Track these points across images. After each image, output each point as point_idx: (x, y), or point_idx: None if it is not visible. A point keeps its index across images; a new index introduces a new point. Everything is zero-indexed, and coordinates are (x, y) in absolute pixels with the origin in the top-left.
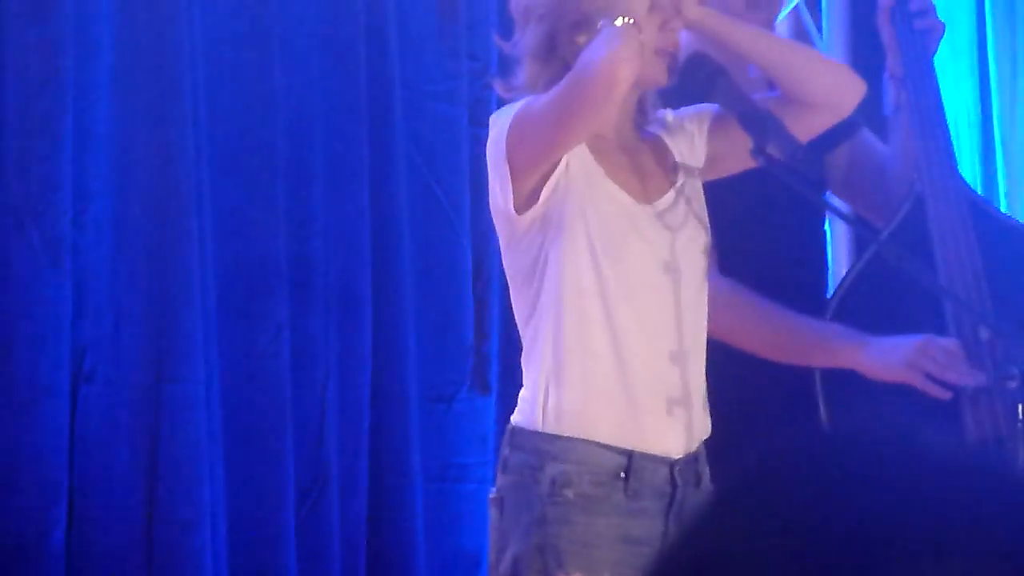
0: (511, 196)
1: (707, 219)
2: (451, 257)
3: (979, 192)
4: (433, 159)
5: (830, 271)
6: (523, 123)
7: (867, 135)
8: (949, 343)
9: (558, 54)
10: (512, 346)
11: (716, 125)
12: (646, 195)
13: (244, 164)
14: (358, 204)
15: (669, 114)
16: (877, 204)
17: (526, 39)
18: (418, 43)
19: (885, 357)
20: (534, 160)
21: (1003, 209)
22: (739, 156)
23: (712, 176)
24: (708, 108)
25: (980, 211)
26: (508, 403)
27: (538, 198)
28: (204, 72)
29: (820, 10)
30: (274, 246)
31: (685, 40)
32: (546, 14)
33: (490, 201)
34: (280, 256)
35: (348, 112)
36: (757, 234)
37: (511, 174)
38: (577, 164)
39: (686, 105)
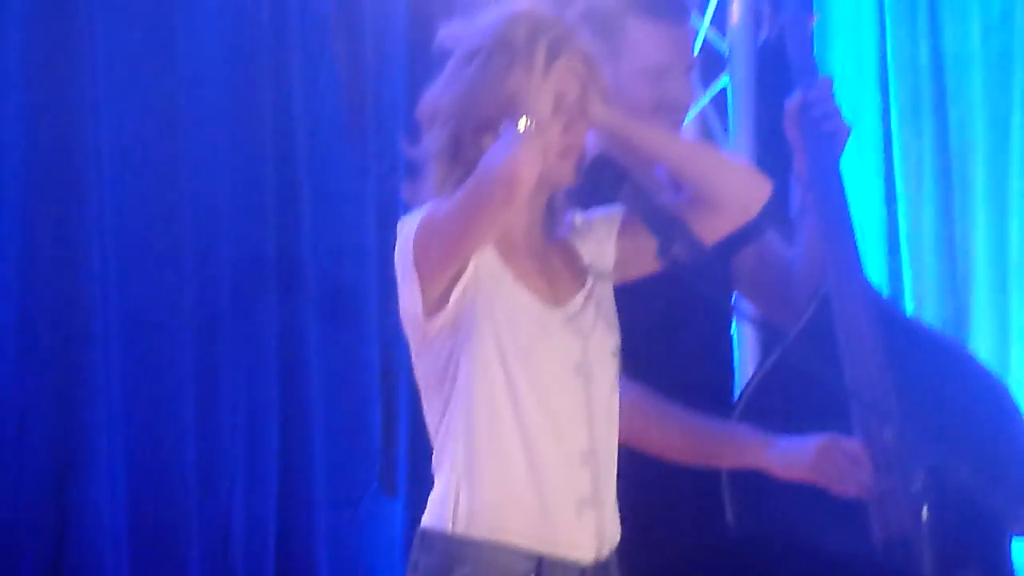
0: (420, 301)
1: (616, 321)
2: (359, 361)
3: (885, 294)
4: (340, 260)
5: (736, 372)
6: (428, 227)
7: (773, 237)
8: (851, 444)
9: (463, 157)
10: (420, 450)
11: (624, 228)
12: (555, 298)
13: (150, 265)
14: (265, 306)
15: (578, 216)
16: (783, 305)
17: (431, 142)
18: (326, 143)
19: (789, 457)
20: (441, 263)
21: (909, 311)
22: (647, 259)
23: (621, 278)
24: (617, 210)
25: (885, 313)
26: (416, 507)
27: (447, 302)
28: (110, 173)
29: (726, 113)
30: (180, 349)
31: (592, 141)
32: (450, 117)
33: (400, 306)
34: (187, 359)
35: (255, 213)
36: (664, 336)
37: (419, 278)
38: (485, 267)
39: (591, 206)
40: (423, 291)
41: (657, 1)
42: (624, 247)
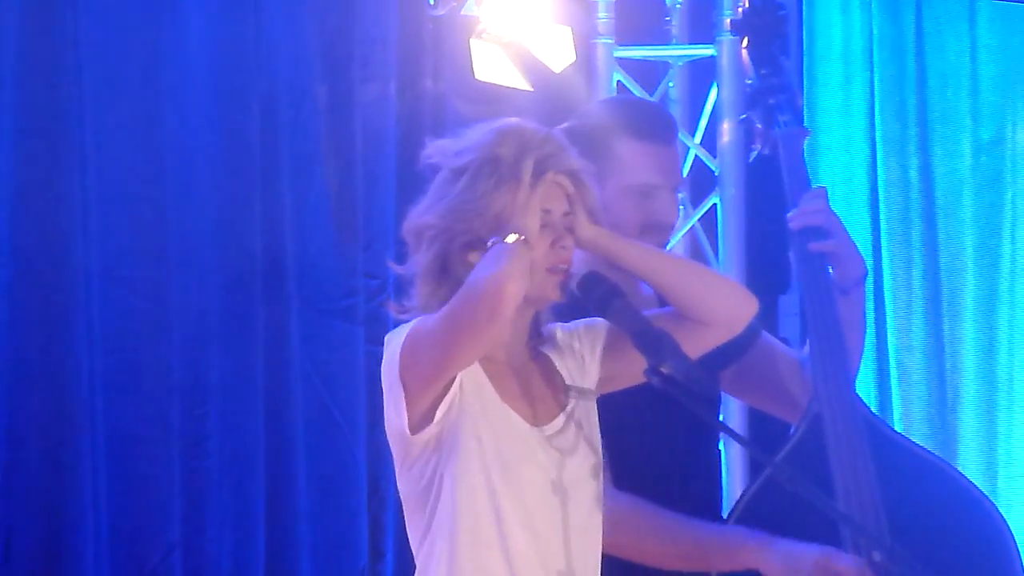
0: (405, 416)
1: (598, 440)
2: (346, 476)
3: (874, 411)
4: (329, 377)
5: (725, 489)
6: (415, 342)
7: (767, 339)
8: (849, 561)
9: (450, 273)
10: (407, 567)
11: (609, 344)
12: (535, 418)
13: (138, 383)
14: (253, 422)
15: (558, 330)
16: (779, 403)
17: (419, 259)
18: (315, 260)
19: (788, 561)
20: (427, 379)
21: (898, 428)
22: (632, 373)
23: (605, 391)
24: (600, 325)
25: (876, 432)
26: None
27: (432, 418)
28: (99, 289)
29: (716, 231)
30: (168, 464)
31: (581, 258)
32: (438, 235)
33: (385, 421)
34: (174, 474)
35: (244, 329)
36: (651, 452)
37: (405, 394)
38: (471, 384)
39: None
40: (409, 406)
41: (644, 122)
42: (610, 365)
